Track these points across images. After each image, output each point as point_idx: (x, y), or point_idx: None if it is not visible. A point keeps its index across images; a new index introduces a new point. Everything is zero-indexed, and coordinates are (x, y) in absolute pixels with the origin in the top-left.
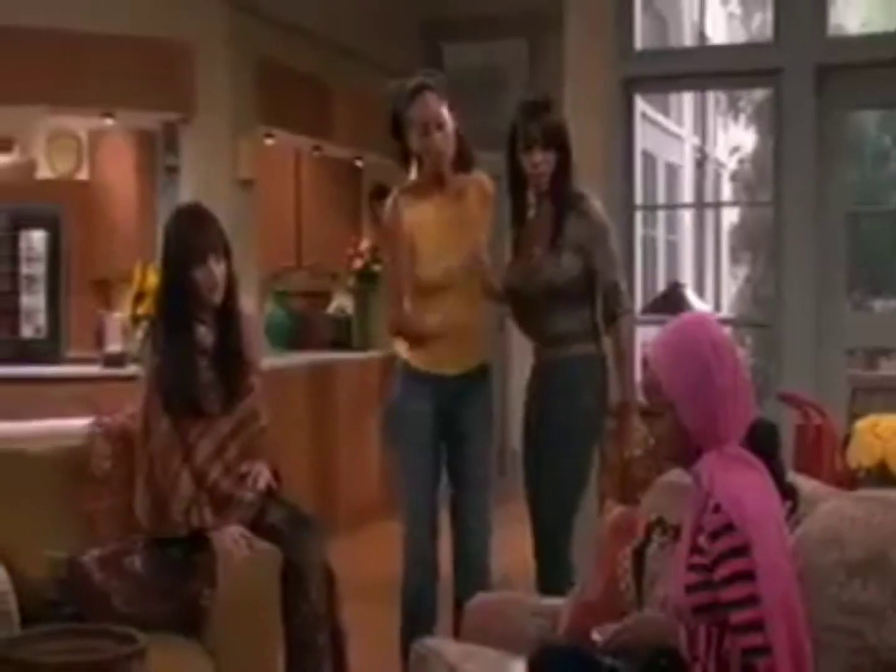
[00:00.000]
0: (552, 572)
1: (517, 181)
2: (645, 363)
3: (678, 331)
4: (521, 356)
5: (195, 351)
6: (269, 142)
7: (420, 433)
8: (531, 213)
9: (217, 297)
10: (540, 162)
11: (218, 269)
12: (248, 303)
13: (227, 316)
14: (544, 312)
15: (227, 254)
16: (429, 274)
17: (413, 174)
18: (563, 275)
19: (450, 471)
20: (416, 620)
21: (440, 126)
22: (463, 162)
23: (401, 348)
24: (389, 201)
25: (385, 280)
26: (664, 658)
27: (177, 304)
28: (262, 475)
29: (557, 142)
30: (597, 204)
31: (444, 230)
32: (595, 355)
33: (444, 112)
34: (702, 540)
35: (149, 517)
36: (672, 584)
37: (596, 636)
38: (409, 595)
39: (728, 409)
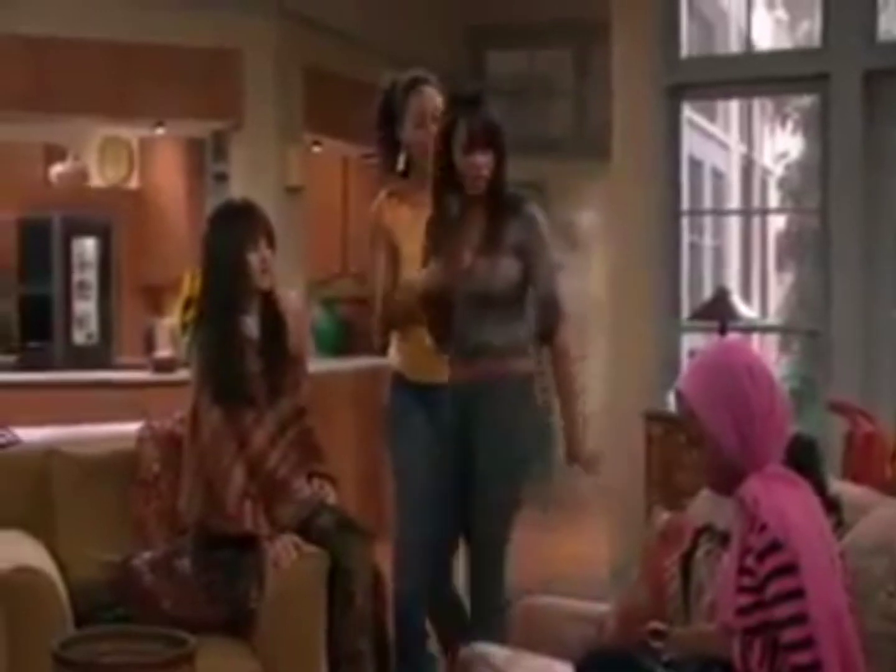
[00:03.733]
0: (484, 603)
1: (447, 181)
2: (679, 395)
3: (711, 359)
4: None
5: (243, 341)
6: (316, 149)
7: (416, 444)
8: (453, 213)
9: (267, 282)
10: (483, 164)
11: (268, 254)
12: (298, 298)
13: (272, 306)
14: (473, 321)
15: (273, 246)
16: (415, 278)
17: (399, 166)
18: (501, 280)
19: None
20: (404, 638)
21: (435, 120)
22: None
23: (393, 359)
24: (374, 204)
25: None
26: (716, 668)
27: (224, 292)
28: (330, 495)
29: (497, 141)
30: (537, 207)
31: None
32: (532, 372)
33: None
34: (749, 561)
35: (199, 514)
36: (721, 606)
37: (655, 628)
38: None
39: (766, 432)
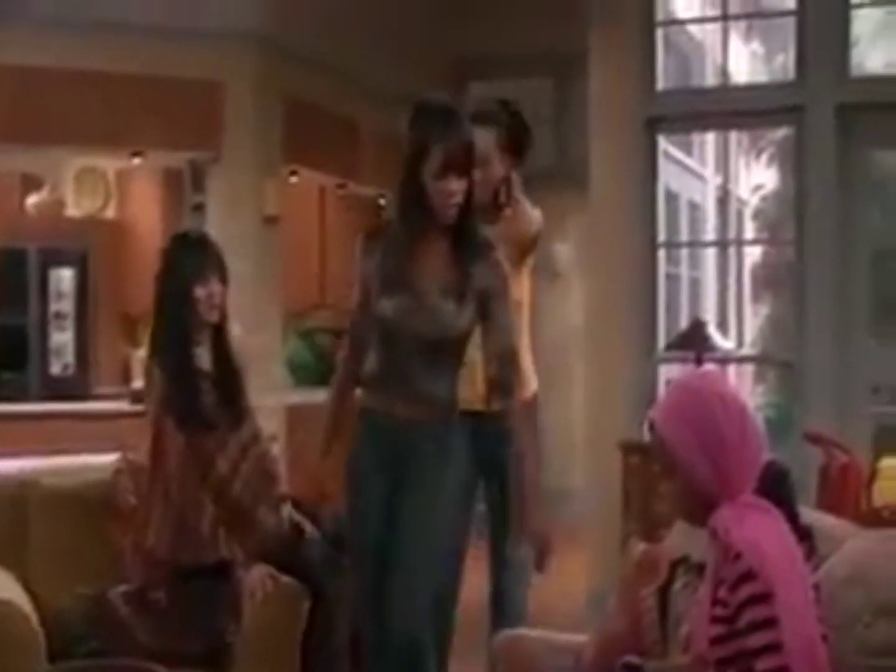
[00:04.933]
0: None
1: (414, 206)
2: (651, 425)
3: (683, 388)
4: None
5: (196, 372)
6: (293, 179)
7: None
8: (419, 243)
9: (215, 317)
10: (457, 191)
11: (218, 289)
12: (239, 329)
13: (221, 338)
14: (421, 366)
15: (224, 280)
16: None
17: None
18: (461, 327)
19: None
20: None
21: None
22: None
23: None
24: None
25: None
26: None
27: (175, 324)
28: (307, 527)
29: (471, 167)
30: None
31: None
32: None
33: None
34: (723, 591)
35: (170, 546)
36: (695, 637)
37: (630, 662)
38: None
39: (738, 460)
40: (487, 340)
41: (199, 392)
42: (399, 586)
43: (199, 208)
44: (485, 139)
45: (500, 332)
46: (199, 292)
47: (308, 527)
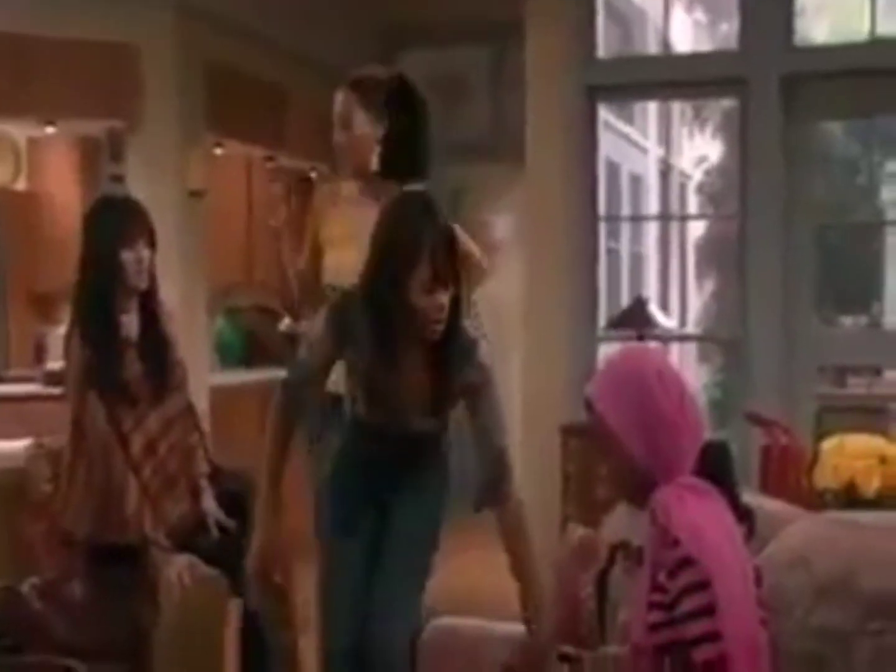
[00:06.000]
0: None
1: (391, 320)
2: (588, 404)
3: (620, 365)
4: None
5: (122, 342)
6: (218, 151)
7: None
8: (399, 364)
9: (143, 283)
10: (445, 304)
11: (146, 253)
12: (168, 299)
13: (150, 306)
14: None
15: (153, 244)
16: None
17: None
18: (443, 426)
19: None
20: None
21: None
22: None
23: None
24: (317, 194)
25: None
26: None
27: (99, 291)
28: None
29: (459, 273)
30: (488, 350)
31: (344, 236)
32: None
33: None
34: (661, 577)
35: (92, 526)
36: (634, 622)
37: (565, 653)
38: None
39: (677, 439)
40: (475, 440)
41: (123, 362)
42: (381, 598)
43: (117, 180)
44: (347, 98)
45: (488, 434)
46: (127, 256)
47: (230, 523)
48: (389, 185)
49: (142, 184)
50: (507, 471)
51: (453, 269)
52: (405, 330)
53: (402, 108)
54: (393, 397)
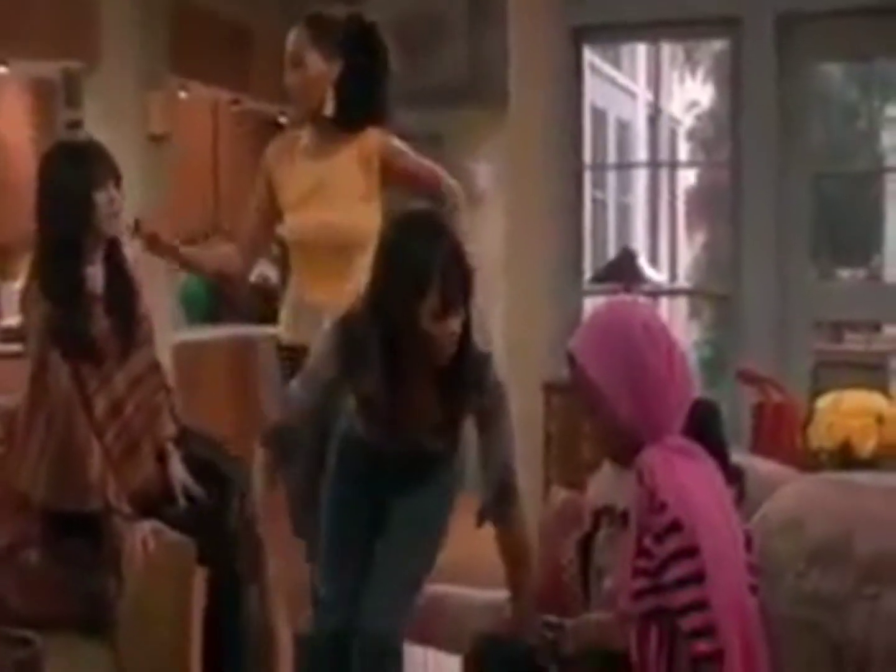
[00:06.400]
0: None
1: (400, 346)
2: (570, 359)
3: (605, 318)
4: None
5: (88, 295)
6: (182, 94)
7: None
8: (407, 389)
9: (115, 229)
10: (457, 330)
11: (117, 196)
12: (136, 247)
13: (115, 256)
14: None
15: (119, 186)
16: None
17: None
18: (453, 443)
19: None
20: None
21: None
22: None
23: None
24: (271, 148)
25: None
26: (611, 665)
27: (67, 238)
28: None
29: (471, 296)
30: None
31: (304, 193)
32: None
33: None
34: (648, 541)
35: (50, 490)
36: (619, 589)
37: (548, 621)
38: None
39: (665, 396)
40: (482, 457)
41: (89, 317)
42: (377, 580)
43: (74, 125)
44: (300, 36)
45: (497, 452)
46: (99, 198)
47: (198, 489)
48: (346, 133)
49: (100, 129)
50: (513, 493)
51: (465, 293)
52: (415, 355)
53: (358, 50)
54: (400, 420)
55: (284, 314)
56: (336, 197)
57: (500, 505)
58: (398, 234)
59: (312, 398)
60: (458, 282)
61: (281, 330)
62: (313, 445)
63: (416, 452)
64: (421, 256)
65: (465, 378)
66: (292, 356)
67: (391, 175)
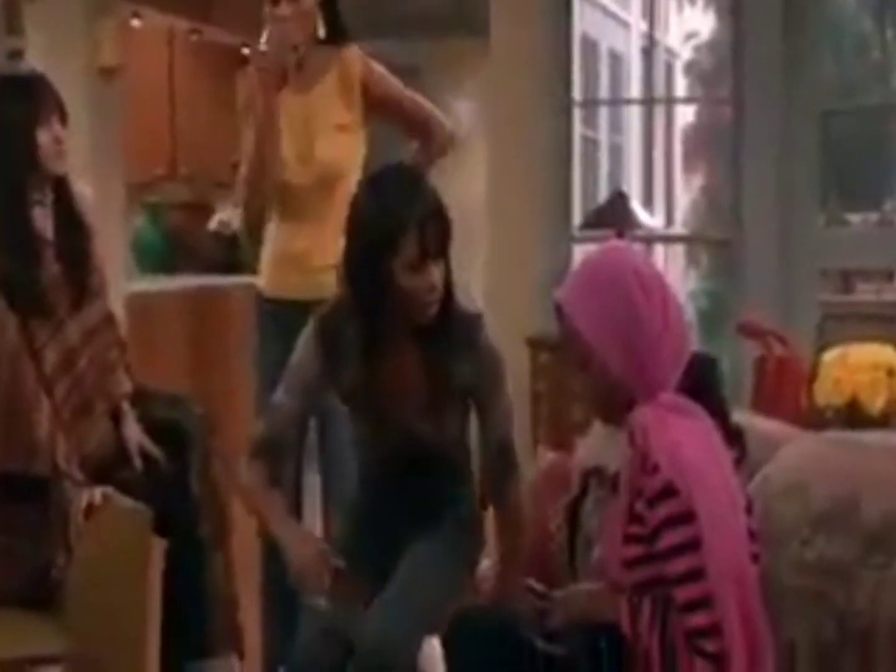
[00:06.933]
0: None
1: (381, 307)
2: (558, 309)
3: (595, 265)
4: None
5: (37, 240)
6: (135, 23)
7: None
8: (389, 356)
9: (62, 167)
10: (437, 282)
11: (62, 133)
12: (87, 188)
13: (65, 196)
14: (403, 485)
15: (65, 122)
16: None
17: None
18: (447, 441)
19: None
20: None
21: None
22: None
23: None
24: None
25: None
26: (603, 638)
27: (11, 179)
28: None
29: (449, 244)
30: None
31: (286, 128)
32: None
33: None
34: (640, 506)
35: None
36: (609, 557)
37: (533, 588)
38: None
39: (660, 350)
40: (481, 433)
41: (38, 264)
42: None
43: (15, 56)
44: None
45: (493, 428)
46: (43, 137)
47: (157, 451)
48: (327, 51)
49: (44, 60)
50: (514, 468)
51: (443, 244)
52: (394, 317)
53: None
54: (385, 405)
55: (266, 265)
56: (318, 129)
57: (501, 484)
58: (369, 189)
59: (298, 403)
60: (436, 232)
61: (263, 282)
62: (295, 452)
63: (412, 452)
64: (393, 206)
65: (451, 340)
66: (276, 310)
67: (374, 104)
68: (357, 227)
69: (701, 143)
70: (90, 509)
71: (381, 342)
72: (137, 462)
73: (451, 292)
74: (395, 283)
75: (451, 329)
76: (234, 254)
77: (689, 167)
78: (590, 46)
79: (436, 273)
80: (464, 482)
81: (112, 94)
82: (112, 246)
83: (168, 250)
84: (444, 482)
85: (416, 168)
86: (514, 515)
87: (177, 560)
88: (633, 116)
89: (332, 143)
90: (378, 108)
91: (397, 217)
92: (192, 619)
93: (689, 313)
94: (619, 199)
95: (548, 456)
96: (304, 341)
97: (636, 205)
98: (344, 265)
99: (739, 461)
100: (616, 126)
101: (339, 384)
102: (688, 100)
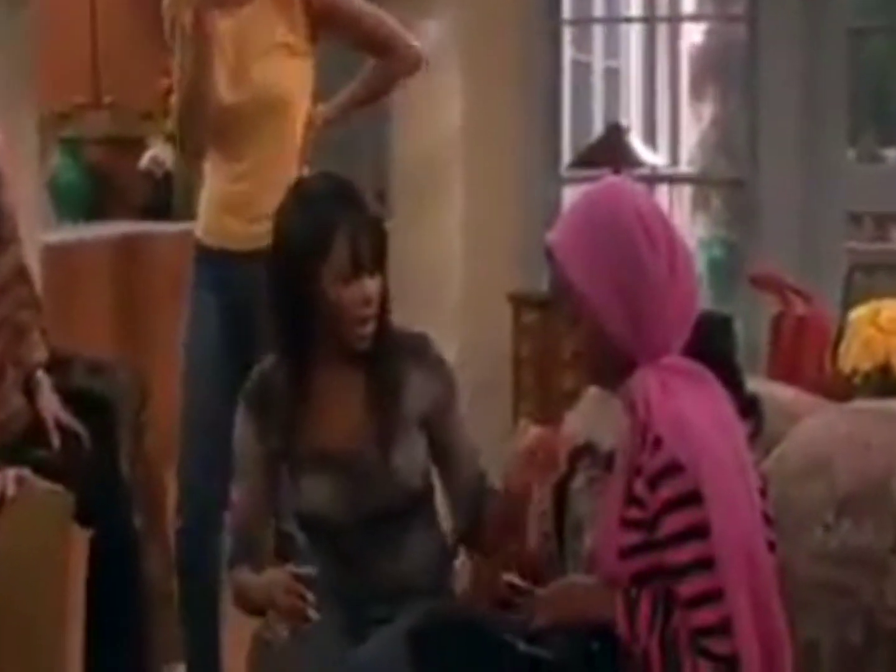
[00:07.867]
0: None
1: (310, 331)
2: (549, 255)
3: (590, 204)
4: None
5: None
6: None
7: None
8: (324, 387)
9: None
10: (373, 294)
11: None
12: None
13: None
14: (371, 549)
15: None
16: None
17: None
18: (417, 481)
19: None
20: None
21: None
22: None
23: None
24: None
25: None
26: (595, 640)
27: None
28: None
29: (385, 255)
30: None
31: (218, 51)
32: None
33: None
34: (639, 486)
35: None
36: (602, 545)
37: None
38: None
39: (665, 304)
40: (445, 472)
41: None
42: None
43: None
44: None
45: (461, 460)
46: None
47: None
48: None
49: None
50: (485, 501)
51: (380, 257)
52: (326, 341)
53: None
54: (333, 442)
55: (205, 210)
56: (253, 50)
57: (474, 515)
58: (296, 195)
59: (255, 492)
60: (370, 243)
61: (200, 229)
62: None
63: (371, 503)
64: (321, 210)
65: (396, 359)
66: (214, 261)
67: (321, 20)
68: (282, 235)
69: (711, 68)
70: (1, 495)
71: (315, 373)
72: (55, 438)
73: (387, 312)
74: (325, 297)
75: (394, 348)
76: (167, 197)
77: (697, 96)
78: None
79: (371, 286)
80: (432, 527)
81: (22, 12)
82: (24, 188)
83: (91, 192)
84: (412, 538)
85: (354, 184)
86: (490, 536)
87: (105, 553)
88: (633, 37)
89: (270, 65)
90: (328, 26)
91: (325, 221)
92: (124, 623)
93: (699, 263)
94: (616, 134)
95: (531, 430)
96: (237, 425)
97: (636, 139)
98: (268, 282)
99: (754, 435)
100: (612, 49)
101: (278, 441)
102: (696, 17)
